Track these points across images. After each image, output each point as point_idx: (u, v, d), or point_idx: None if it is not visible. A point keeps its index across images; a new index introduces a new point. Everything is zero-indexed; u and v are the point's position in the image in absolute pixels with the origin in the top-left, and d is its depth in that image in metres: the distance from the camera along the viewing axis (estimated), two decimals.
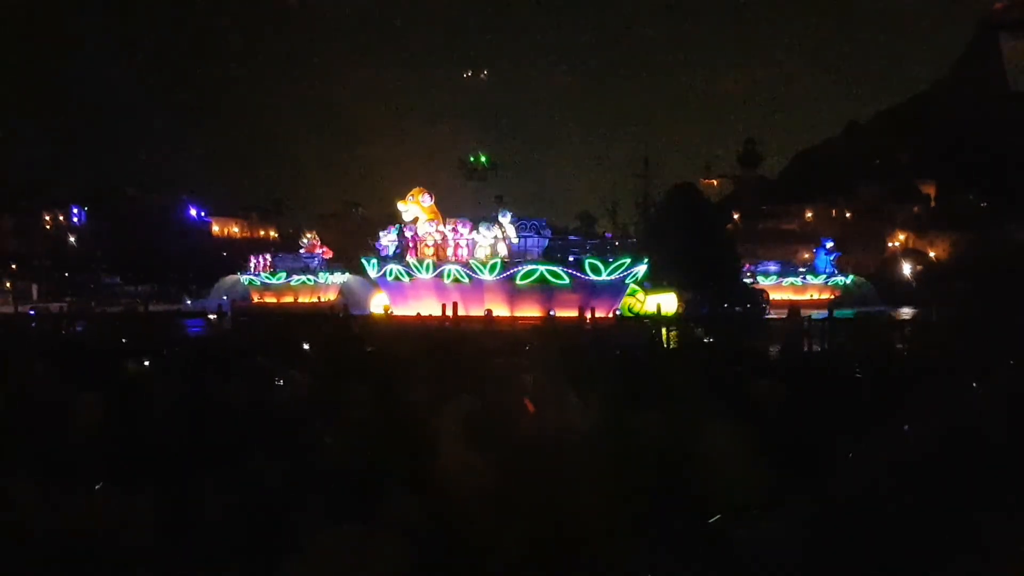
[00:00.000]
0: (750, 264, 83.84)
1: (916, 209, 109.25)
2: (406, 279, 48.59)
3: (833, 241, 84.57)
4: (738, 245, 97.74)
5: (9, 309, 52.75)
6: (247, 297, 69.47)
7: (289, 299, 69.25)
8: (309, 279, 71.32)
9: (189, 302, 68.20)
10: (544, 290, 44.55)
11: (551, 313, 41.24)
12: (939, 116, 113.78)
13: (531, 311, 42.40)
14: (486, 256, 46.12)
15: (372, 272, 52.84)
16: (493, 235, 46.50)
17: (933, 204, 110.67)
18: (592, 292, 44.70)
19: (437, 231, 48.18)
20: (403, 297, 48.86)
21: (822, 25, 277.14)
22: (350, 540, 5.30)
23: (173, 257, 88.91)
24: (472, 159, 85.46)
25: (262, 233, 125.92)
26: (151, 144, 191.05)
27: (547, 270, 44.96)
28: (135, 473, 6.56)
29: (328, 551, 5.23)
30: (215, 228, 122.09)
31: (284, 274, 71.23)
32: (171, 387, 9.77)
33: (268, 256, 74.58)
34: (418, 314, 44.27)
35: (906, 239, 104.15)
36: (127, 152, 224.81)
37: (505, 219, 47.02)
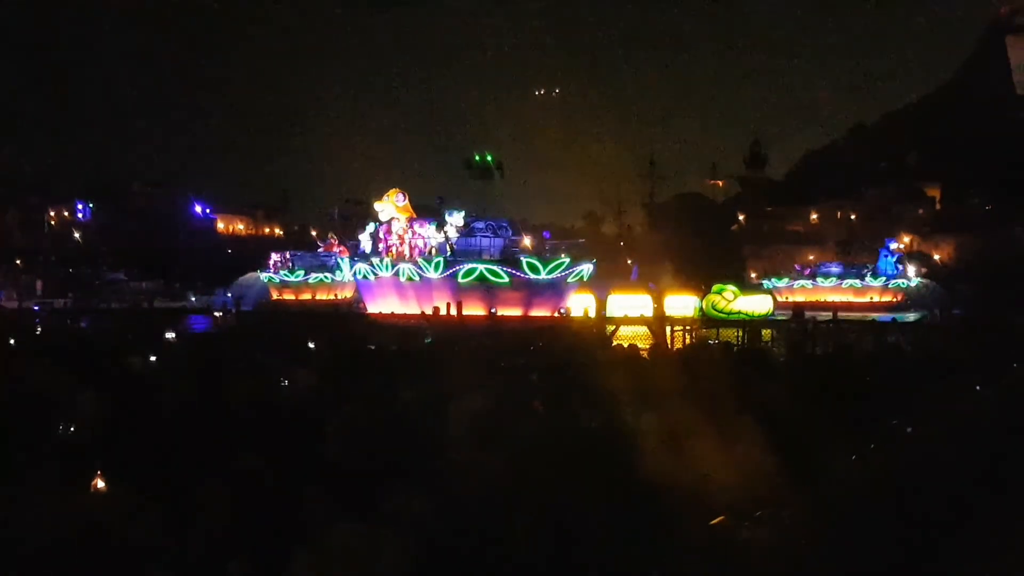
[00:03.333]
0: (811, 266, 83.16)
1: (921, 211, 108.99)
2: (372, 277, 50.35)
3: (895, 241, 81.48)
4: (744, 247, 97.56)
5: (14, 304, 52.83)
6: (266, 294, 70.16)
7: (307, 296, 69.99)
8: (327, 277, 71.86)
9: (194, 299, 68.34)
10: (487, 288, 45.84)
11: (493, 311, 42.18)
12: (945, 119, 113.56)
13: (476, 309, 44.01)
14: (429, 253, 48.01)
15: (346, 271, 54.36)
16: (440, 234, 48.47)
17: (938, 207, 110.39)
18: (534, 291, 46.09)
19: (404, 230, 49.77)
20: (371, 295, 50.77)
21: (829, 27, 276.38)
22: (352, 537, 5.30)
23: (178, 254, 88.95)
24: (477, 158, 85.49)
25: (267, 230, 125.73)
26: (157, 140, 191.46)
27: (486, 268, 46.23)
28: (137, 469, 6.57)
29: (330, 548, 5.23)
30: (220, 225, 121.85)
31: (302, 272, 71.90)
32: (177, 384, 9.80)
33: (288, 254, 75.21)
34: (392, 312, 46.50)
35: (911, 241, 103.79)
36: (133, 148, 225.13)
37: (453, 218, 48.70)
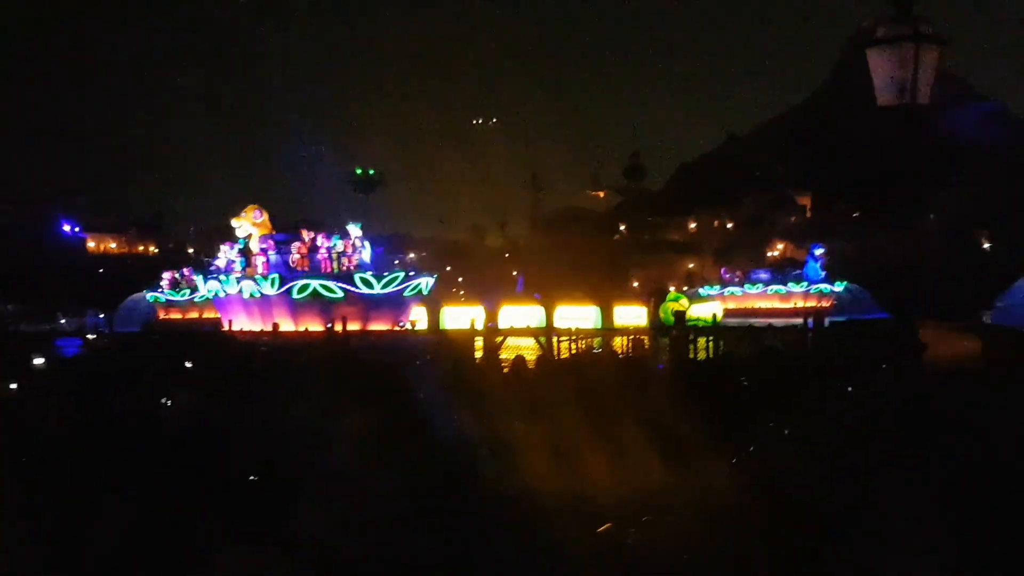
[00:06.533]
0: (740, 273, 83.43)
1: (794, 219, 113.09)
2: (222, 294, 50.61)
3: (823, 247, 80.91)
4: (626, 256, 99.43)
5: None
6: (153, 314, 68.05)
7: (194, 315, 67.97)
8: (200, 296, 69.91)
9: (64, 321, 65.66)
10: (323, 304, 46.47)
11: (330, 326, 42.55)
12: (812, 129, 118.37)
13: (314, 325, 44.62)
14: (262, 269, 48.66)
15: (201, 288, 55.56)
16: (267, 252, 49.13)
17: (809, 215, 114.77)
18: (371, 305, 46.85)
19: (260, 247, 50.12)
20: (225, 312, 50.90)
21: (701, 40, 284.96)
22: (244, 560, 5.18)
23: (45, 274, 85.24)
24: (360, 172, 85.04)
25: (141, 248, 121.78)
26: (19, 157, 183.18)
27: (320, 285, 46.98)
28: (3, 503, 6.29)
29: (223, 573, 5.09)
30: (91, 244, 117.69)
31: (188, 291, 69.78)
32: (45, 411, 9.39)
33: (186, 271, 72.68)
34: (240, 329, 46.63)
35: (784, 248, 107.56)
36: None
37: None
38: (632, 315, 49.53)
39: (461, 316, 46.07)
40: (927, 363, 8.76)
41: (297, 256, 48.36)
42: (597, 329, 45.21)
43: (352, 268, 48.13)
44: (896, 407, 7.49)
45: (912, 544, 5.05)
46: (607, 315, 49.26)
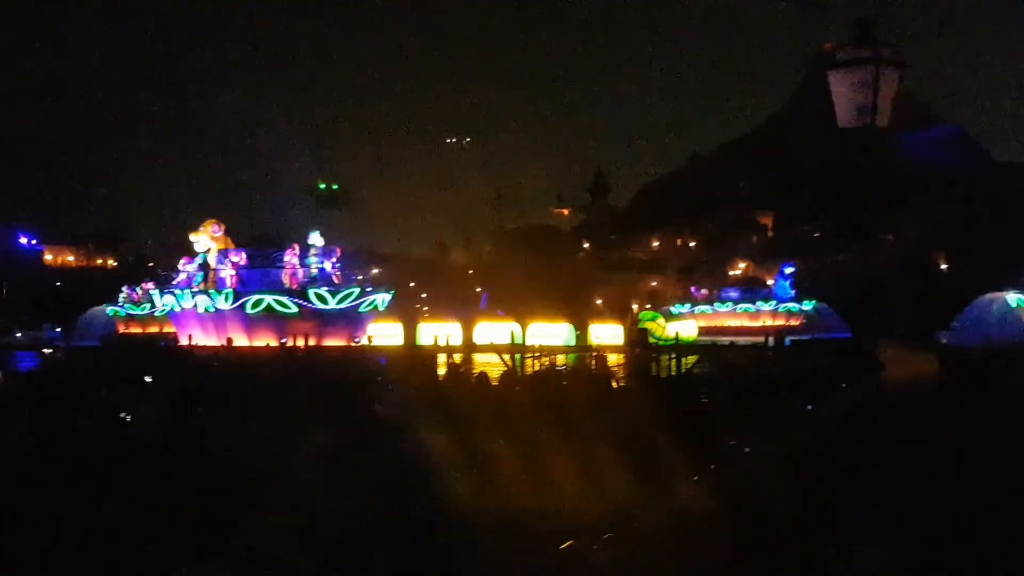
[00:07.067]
0: (708, 291, 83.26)
1: (755, 239, 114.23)
2: (177, 309, 50.35)
3: (793, 266, 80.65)
4: (590, 274, 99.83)
5: None
6: (113, 328, 67.01)
7: (155, 329, 67.01)
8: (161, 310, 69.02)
9: (19, 334, 64.68)
10: (277, 319, 46.23)
11: (284, 342, 42.28)
12: (774, 149, 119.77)
13: (269, 340, 44.16)
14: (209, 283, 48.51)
15: (157, 303, 55.57)
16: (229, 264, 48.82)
17: (771, 234, 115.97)
18: (326, 321, 46.42)
19: (217, 262, 49.83)
20: (180, 326, 50.65)
21: (665, 61, 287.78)
22: None
23: (1, 287, 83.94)
24: (323, 186, 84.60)
25: (99, 261, 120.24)
26: None
27: (274, 300, 46.73)
28: None
29: None
30: (48, 257, 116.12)
31: (148, 305, 68.69)
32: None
33: (148, 285, 71.54)
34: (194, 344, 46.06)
35: (747, 267, 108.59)
36: None
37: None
38: (610, 334, 49.56)
39: (438, 332, 45.91)
40: (885, 382, 8.87)
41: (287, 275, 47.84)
42: (569, 346, 45.34)
43: (307, 280, 47.79)
44: (854, 425, 7.57)
45: (873, 557, 5.11)
46: (583, 333, 49.39)
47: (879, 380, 8.83)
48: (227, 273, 48.29)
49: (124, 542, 5.77)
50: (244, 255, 48.97)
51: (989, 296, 59.11)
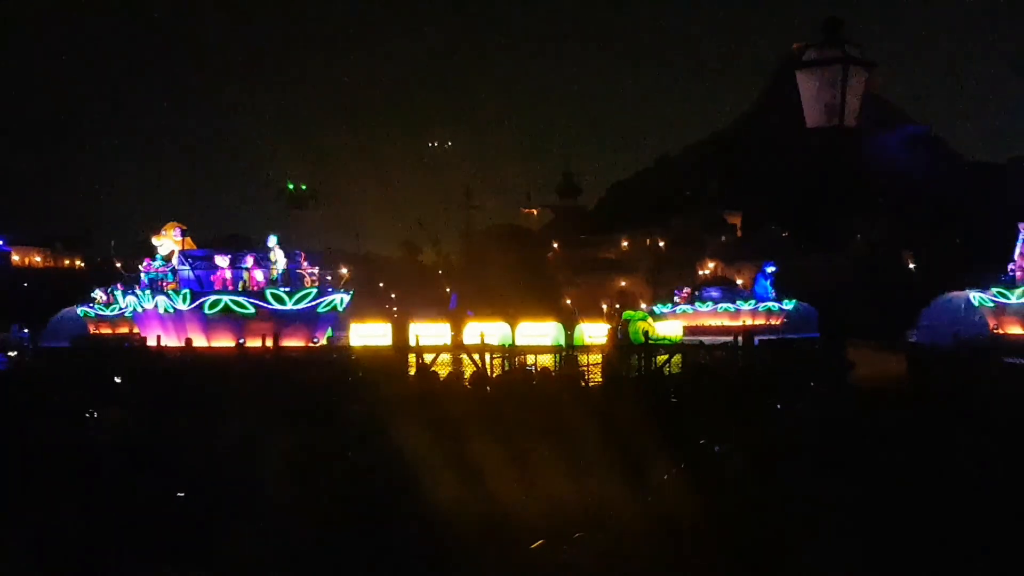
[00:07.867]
0: (688, 290, 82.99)
1: (724, 239, 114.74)
2: (140, 309, 50.29)
3: (774, 265, 78.97)
4: (559, 274, 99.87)
5: None
6: (84, 329, 66.44)
7: (124, 330, 66.45)
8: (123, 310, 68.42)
9: None
10: (235, 320, 46.16)
11: (241, 342, 42.26)
12: (742, 150, 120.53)
13: (226, 340, 44.17)
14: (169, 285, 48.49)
15: (121, 303, 55.82)
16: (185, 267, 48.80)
17: (739, 234, 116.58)
18: (284, 321, 46.28)
19: (178, 263, 49.76)
20: (142, 327, 50.54)
21: (633, 60, 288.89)
22: None
23: None
24: (291, 187, 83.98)
25: (67, 263, 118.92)
26: None
27: (231, 300, 46.62)
28: None
29: None
30: (15, 257, 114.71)
31: (118, 305, 68.10)
32: None
33: (119, 287, 70.88)
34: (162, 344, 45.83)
35: (716, 267, 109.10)
36: None
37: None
38: (601, 333, 49.62)
39: (428, 333, 45.74)
40: (855, 381, 8.94)
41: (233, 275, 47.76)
42: (558, 346, 45.30)
43: (266, 283, 47.68)
44: (822, 423, 7.63)
45: (841, 553, 5.14)
46: (571, 333, 49.25)
47: (848, 379, 8.90)
48: (187, 274, 48.17)
49: (83, 548, 5.70)
50: (207, 256, 48.97)
51: (951, 294, 59.89)
